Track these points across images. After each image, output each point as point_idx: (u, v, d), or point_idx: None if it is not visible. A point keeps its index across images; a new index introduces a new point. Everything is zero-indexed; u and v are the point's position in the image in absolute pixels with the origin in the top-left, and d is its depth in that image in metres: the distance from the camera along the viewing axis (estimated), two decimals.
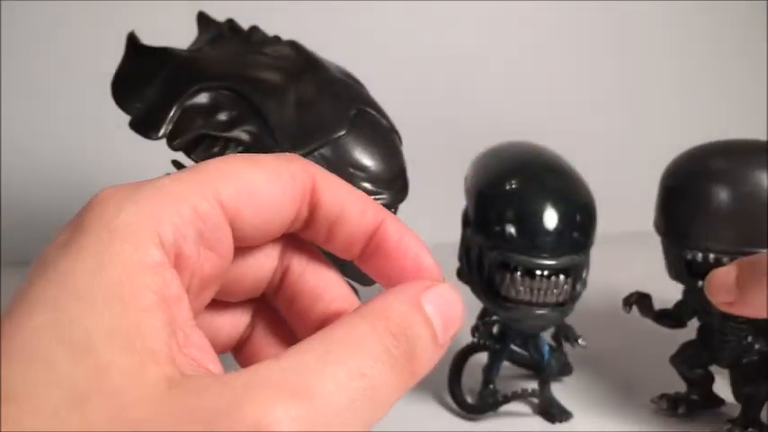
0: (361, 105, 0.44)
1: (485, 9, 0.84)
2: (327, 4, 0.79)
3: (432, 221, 0.65)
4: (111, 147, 0.78)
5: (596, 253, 0.49)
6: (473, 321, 0.52)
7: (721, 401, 0.52)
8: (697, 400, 0.51)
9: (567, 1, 0.85)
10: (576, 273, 0.46)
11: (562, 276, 0.46)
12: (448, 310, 0.26)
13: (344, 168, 0.41)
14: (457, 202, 0.53)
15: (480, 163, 0.52)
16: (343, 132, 0.42)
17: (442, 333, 0.25)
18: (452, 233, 0.52)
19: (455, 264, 0.52)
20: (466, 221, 0.50)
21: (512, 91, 0.85)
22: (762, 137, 0.80)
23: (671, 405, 0.51)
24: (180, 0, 0.71)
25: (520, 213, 0.46)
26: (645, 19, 0.88)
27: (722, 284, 0.40)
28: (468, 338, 0.53)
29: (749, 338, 0.48)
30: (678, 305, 0.50)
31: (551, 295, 0.46)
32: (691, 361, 0.51)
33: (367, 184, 0.42)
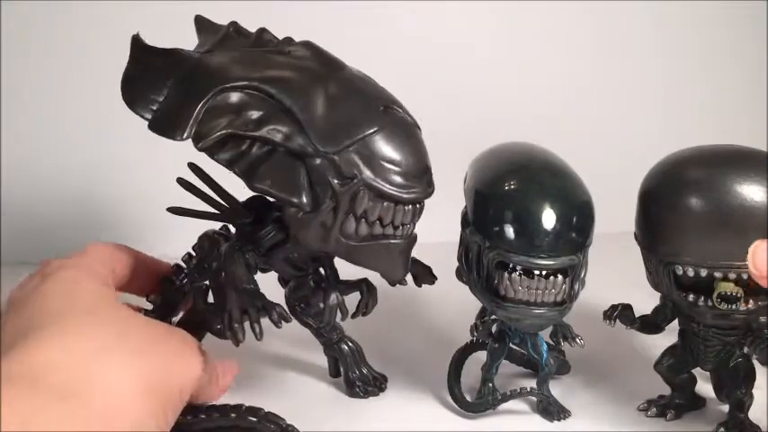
0: (387, 102, 0.44)
1: (486, 12, 0.85)
2: (328, 4, 0.80)
3: (432, 221, 0.65)
4: (111, 149, 0.79)
5: (594, 252, 0.49)
6: (472, 320, 0.53)
7: (704, 401, 0.52)
8: (682, 404, 0.52)
9: (568, 2, 0.86)
10: (574, 273, 0.47)
11: (560, 276, 0.46)
12: None
13: (378, 163, 0.42)
14: (457, 202, 0.53)
15: (479, 163, 0.52)
16: (375, 128, 0.42)
17: None
18: (452, 233, 0.53)
19: (454, 264, 0.52)
20: (465, 222, 0.51)
21: (512, 92, 0.86)
22: (763, 137, 0.81)
23: (660, 411, 0.51)
24: (181, 0, 0.71)
25: (518, 214, 0.46)
26: (647, 20, 0.88)
27: None
28: (467, 337, 0.53)
29: (733, 343, 0.48)
30: (656, 311, 0.51)
31: (549, 295, 0.46)
32: (676, 367, 0.51)
33: (398, 178, 0.43)
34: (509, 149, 0.52)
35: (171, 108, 0.42)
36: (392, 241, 0.44)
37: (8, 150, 0.78)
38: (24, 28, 0.76)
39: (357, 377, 0.55)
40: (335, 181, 0.41)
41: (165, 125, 0.41)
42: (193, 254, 0.49)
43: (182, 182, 0.46)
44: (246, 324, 0.44)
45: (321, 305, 0.50)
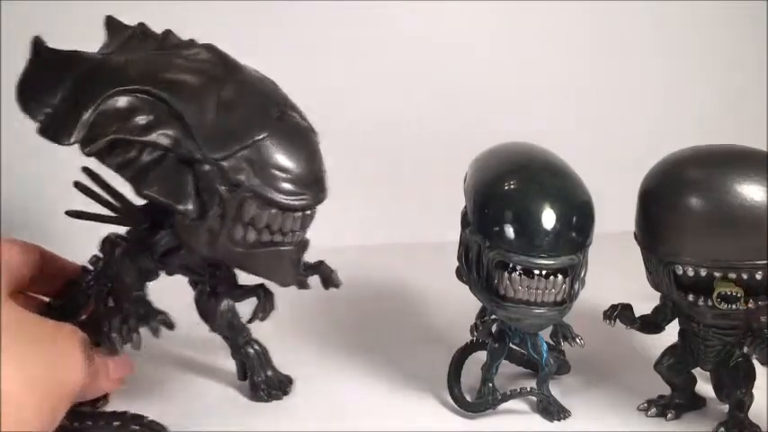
0: (283, 107, 0.44)
1: (486, 12, 0.85)
2: (328, 5, 0.80)
3: (432, 221, 0.66)
4: None
5: (594, 252, 0.49)
6: (472, 320, 0.53)
7: (704, 401, 0.52)
8: (682, 404, 0.52)
9: (568, 2, 0.86)
10: (574, 272, 0.47)
11: (560, 276, 0.46)
12: None
13: (267, 169, 0.42)
14: (457, 202, 0.53)
15: (479, 163, 0.52)
16: (265, 134, 0.42)
17: None
18: (452, 233, 0.53)
19: (454, 264, 0.52)
20: (465, 222, 0.51)
21: (512, 92, 0.86)
22: (763, 137, 0.81)
23: (660, 411, 0.51)
24: (181, 1, 0.71)
25: (518, 213, 0.46)
26: (647, 20, 0.88)
27: None
28: (467, 337, 0.53)
29: (733, 343, 0.48)
30: (656, 310, 0.51)
31: (549, 295, 0.46)
32: (676, 367, 0.51)
33: (287, 185, 0.42)
34: (509, 149, 0.52)
35: (61, 112, 0.41)
36: (281, 248, 0.44)
37: (8, 150, 0.78)
38: (24, 28, 0.76)
39: (262, 380, 0.54)
40: (223, 188, 0.41)
41: (53, 130, 0.40)
42: (101, 256, 0.48)
43: (79, 185, 0.46)
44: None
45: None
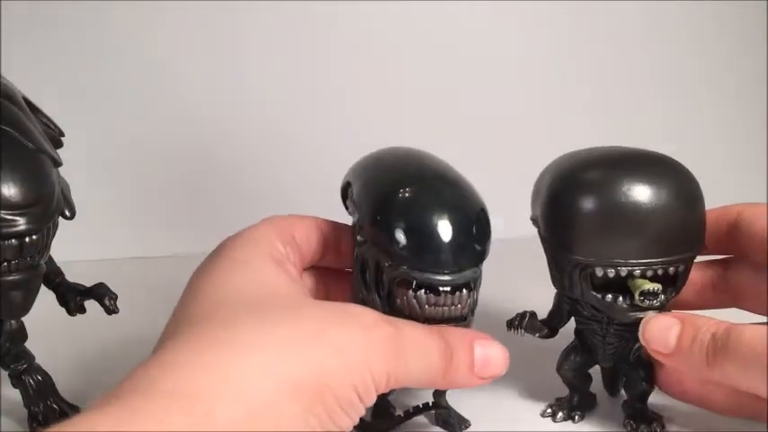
0: (1, 125, 0.42)
1: (485, 11, 0.84)
2: (325, 4, 0.79)
3: None
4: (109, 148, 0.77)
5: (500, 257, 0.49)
6: None
7: (594, 398, 0.53)
8: (583, 404, 0.52)
9: (562, 1, 0.85)
10: (476, 284, 0.46)
11: (465, 290, 0.45)
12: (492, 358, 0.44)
13: None
14: None
15: (367, 173, 0.49)
16: None
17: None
18: None
19: None
20: (357, 239, 0.48)
21: (508, 92, 0.84)
22: (762, 138, 0.82)
23: (566, 415, 0.52)
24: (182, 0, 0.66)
25: (420, 229, 0.44)
26: (644, 18, 0.89)
27: (662, 338, 0.44)
28: None
29: (628, 338, 0.49)
30: (552, 315, 0.51)
31: (455, 310, 0.45)
32: (578, 368, 0.52)
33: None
34: (395, 156, 0.50)
35: None
36: (4, 278, 0.42)
37: None
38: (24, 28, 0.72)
39: (40, 412, 0.49)
40: None
41: None
42: None
43: None
44: None
45: None
